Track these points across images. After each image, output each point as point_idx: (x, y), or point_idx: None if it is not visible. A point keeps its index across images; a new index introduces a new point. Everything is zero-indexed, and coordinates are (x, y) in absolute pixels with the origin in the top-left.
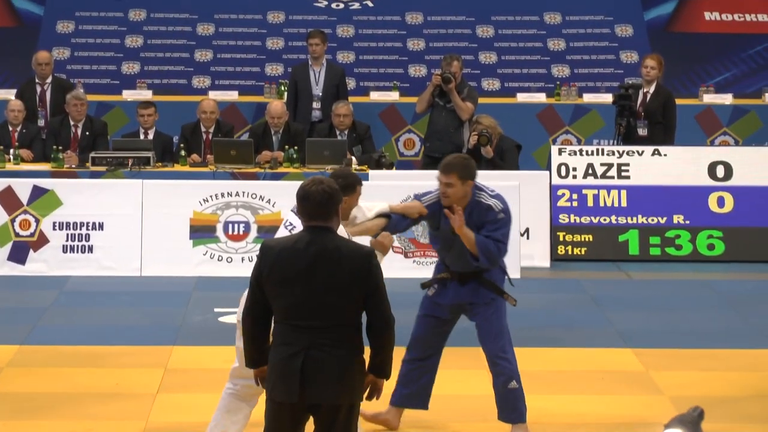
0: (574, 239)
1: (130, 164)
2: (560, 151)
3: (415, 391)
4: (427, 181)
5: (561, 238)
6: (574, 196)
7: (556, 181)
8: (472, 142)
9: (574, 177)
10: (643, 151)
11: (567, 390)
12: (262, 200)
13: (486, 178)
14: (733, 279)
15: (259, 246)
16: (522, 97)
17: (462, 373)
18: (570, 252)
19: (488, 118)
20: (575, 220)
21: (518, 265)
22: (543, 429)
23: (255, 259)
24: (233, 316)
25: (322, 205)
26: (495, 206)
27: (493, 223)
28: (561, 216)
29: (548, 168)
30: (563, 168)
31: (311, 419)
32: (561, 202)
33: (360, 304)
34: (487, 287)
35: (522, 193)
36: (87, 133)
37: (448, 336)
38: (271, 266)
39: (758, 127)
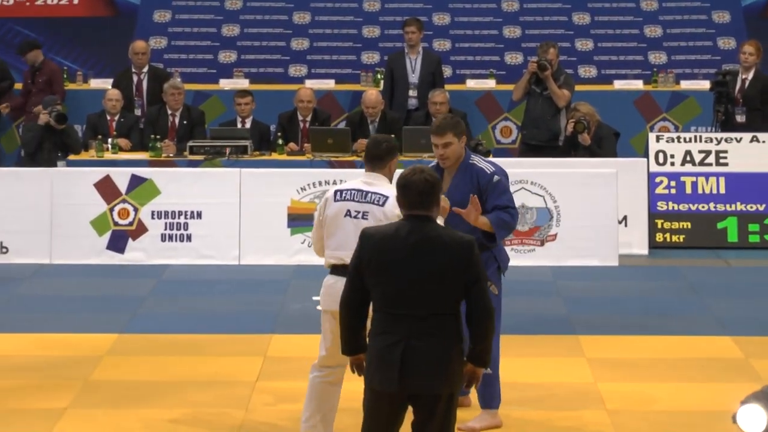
0: (672, 227)
1: (227, 153)
2: (658, 139)
3: None
4: (524, 168)
5: (659, 226)
6: (672, 184)
7: (654, 168)
8: (569, 129)
9: (672, 164)
10: (741, 138)
11: (666, 378)
12: None
13: (583, 165)
14: None
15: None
16: (619, 84)
17: (522, 361)
18: (668, 239)
19: (586, 106)
20: (673, 207)
21: (616, 253)
22: (642, 417)
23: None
24: None
25: (423, 193)
26: (487, 169)
27: (492, 191)
28: (659, 203)
29: (646, 155)
30: (661, 155)
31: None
32: (659, 190)
33: (460, 293)
34: None
35: (620, 181)
36: (184, 122)
37: None
38: (371, 254)
39: None
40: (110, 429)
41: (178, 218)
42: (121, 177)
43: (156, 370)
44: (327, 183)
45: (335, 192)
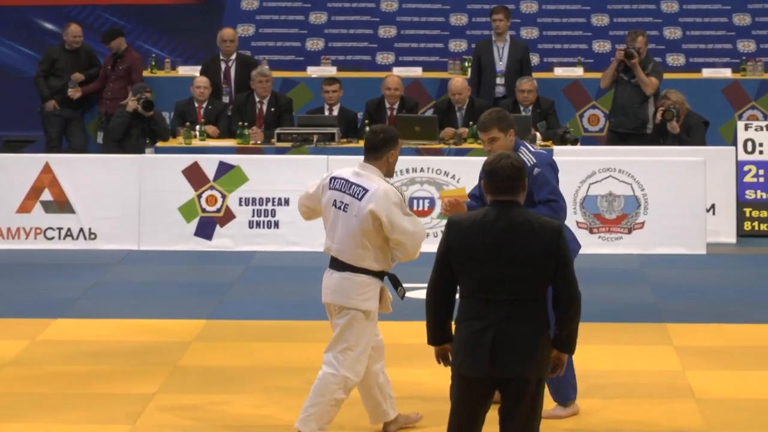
0: (761, 215)
1: (315, 140)
2: (746, 127)
3: None
4: (612, 156)
5: (747, 214)
6: (761, 172)
7: (743, 156)
8: (659, 117)
9: (761, 153)
10: None
11: (755, 366)
12: (447, 176)
13: (671, 153)
14: None
15: (444, 222)
16: (707, 73)
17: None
18: (756, 228)
19: (676, 94)
20: (762, 196)
21: (704, 241)
22: (731, 405)
23: (441, 234)
24: (420, 292)
25: (510, 179)
26: (528, 161)
27: (534, 183)
28: (747, 192)
29: (734, 144)
30: (749, 144)
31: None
32: (747, 178)
33: (548, 278)
34: None
35: (708, 169)
36: (272, 109)
37: None
38: (460, 241)
39: None
40: (198, 414)
41: (266, 205)
42: (209, 164)
43: (243, 356)
44: (414, 170)
45: (330, 179)
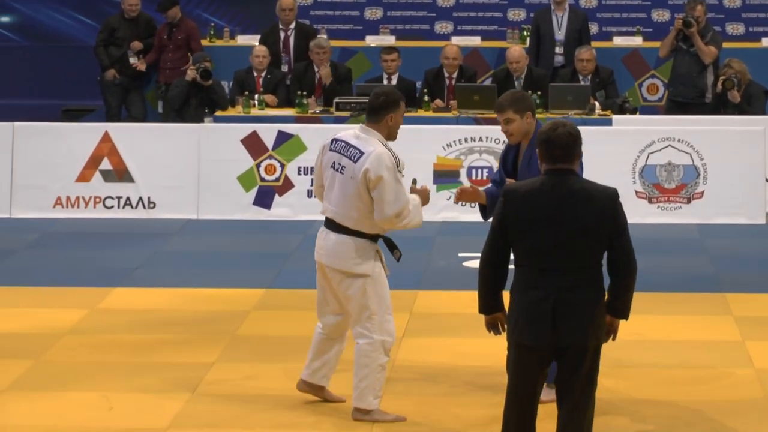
0: None
1: None
2: None
3: None
4: (671, 125)
5: None
6: None
7: None
8: (719, 86)
9: None
10: None
11: None
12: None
13: (731, 123)
14: None
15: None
16: (767, 42)
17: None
18: None
19: (739, 63)
20: None
21: (764, 211)
22: None
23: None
24: (478, 261)
25: (567, 147)
26: None
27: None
28: None
29: None
30: None
31: None
32: None
33: (605, 245)
34: None
35: None
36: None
37: None
38: (517, 210)
39: None
40: (257, 382)
41: None
42: (267, 133)
43: (302, 325)
44: (473, 140)
45: (332, 141)
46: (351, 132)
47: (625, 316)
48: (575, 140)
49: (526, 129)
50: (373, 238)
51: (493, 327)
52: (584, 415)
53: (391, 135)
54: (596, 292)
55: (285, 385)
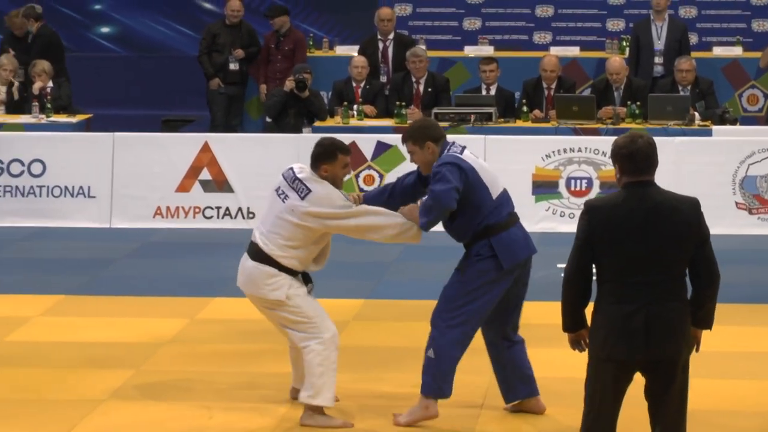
0: None
1: (472, 120)
2: None
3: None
4: None
5: None
6: None
7: None
8: None
9: None
10: None
11: None
12: (605, 156)
13: None
14: None
15: None
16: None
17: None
18: None
19: None
20: None
21: None
22: None
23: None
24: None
25: (649, 158)
26: (435, 166)
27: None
28: None
29: None
30: None
31: None
32: None
33: (690, 255)
34: (465, 255)
35: None
36: (429, 89)
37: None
38: (604, 225)
39: None
40: (354, 394)
41: None
42: (366, 143)
43: (401, 336)
44: (572, 150)
45: (288, 168)
46: (305, 167)
47: (709, 326)
48: (655, 150)
49: (429, 159)
50: (289, 272)
51: (576, 344)
52: (680, 426)
53: (334, 184)
54: (683, 303)
55: (384, 395)
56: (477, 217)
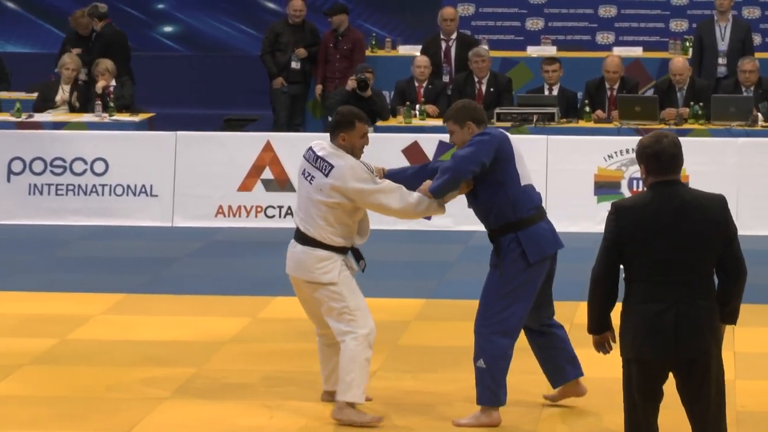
0: None
1: (534, 120)
2: None
3: None
4: None
5: None
6: None
7: None
8: None
9: None
10: None
11: None
12: None
13: None
14: None
15: None
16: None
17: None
18: None
19: None
20: None
21: None
22: None
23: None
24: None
25: (675, 157)
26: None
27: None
28: None
29: None
30: None
31: None
32: None
33: (718, 252)
34: (495, 250)
35: None
36: (491, 89)
37: None
38: (634, 226)
39: None
40: (418, 392)
41: None
42: (428, 143)
43: (463, 336)
44: (634, 151)
45: (308, 149)
46: (323, 144)
47: (734, 322)
48: (680, 149)
49: (466, 140)
50: (339, 250)
51: (601, 346)
52: (721, 423)
53: (352, 154)
54: (711, 301)
55: (446, 394)
56: (500, 194)
